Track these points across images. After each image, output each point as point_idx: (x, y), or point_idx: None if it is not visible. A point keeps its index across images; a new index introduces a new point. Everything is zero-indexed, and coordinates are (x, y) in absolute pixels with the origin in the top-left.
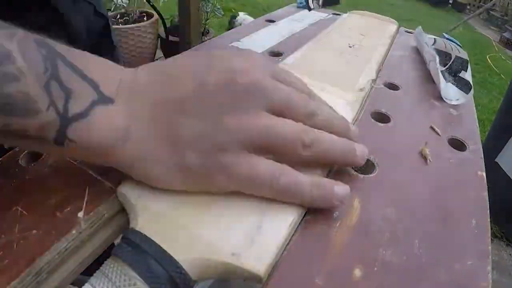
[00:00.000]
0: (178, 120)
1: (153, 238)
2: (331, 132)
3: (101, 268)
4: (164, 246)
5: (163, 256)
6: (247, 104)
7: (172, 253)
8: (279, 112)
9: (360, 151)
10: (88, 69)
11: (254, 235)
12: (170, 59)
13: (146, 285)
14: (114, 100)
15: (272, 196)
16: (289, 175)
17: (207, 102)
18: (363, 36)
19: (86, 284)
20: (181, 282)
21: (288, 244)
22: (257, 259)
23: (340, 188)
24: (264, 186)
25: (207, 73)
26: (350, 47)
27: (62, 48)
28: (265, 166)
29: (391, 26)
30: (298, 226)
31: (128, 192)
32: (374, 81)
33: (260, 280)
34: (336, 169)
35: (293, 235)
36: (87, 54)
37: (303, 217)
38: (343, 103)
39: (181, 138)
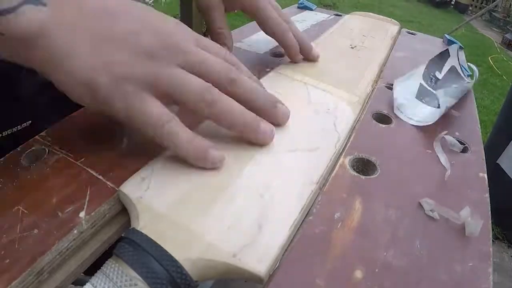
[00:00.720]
0: (105, 46)
1: (154, 239)
2: (253, 106)
3: (102, 268)
4: (165, 246)
5: (164, 256)
6: (166, 58)
7: (173, 254)
8: (198, 74)
9: (265, 129)
10: None
11: (255, 236)
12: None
13: (147, 286)
14: (46, 4)
15: (156, 140)
16: (173, 125)
17: (134, 41)
18: (365, 37)
19: (87, 284)
20: (182, 282)
21: (289, 244)
22: (258, 259)
23: (215, 152)
24: (150, 127)
25: (145, 23)
26: (352, 48)
27: None
28: (157, 109)
29: (393, 27)
30: (299, 226)
31: (129, 192)
32: (376, 82)
33: (261, 280)
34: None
35: (294, 235)
36: None
37: (304, 218)
38: (345, 104)
39: (99, 58)
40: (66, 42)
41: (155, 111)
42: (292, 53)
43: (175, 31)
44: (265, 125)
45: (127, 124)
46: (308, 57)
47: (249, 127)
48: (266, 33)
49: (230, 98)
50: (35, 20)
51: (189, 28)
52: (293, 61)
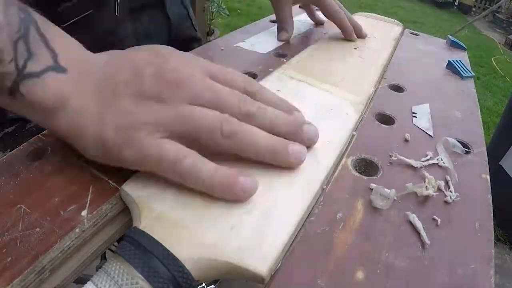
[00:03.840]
0: (110, 100)
1: (156, 238)
2: (276, 132)
3: (103, 266)
4: (167, 245)
5: (166, 255)
6: (173, 96)
7: (175, 253)
8: (212, 108)
9: (295, 151)
10: (54, 41)
11: (257, 236)
12: (130, 49)
13: (148, 284)
14: (67, 71)
15: (176, 179)
16: (193, 159)
17: (137, 88)
18: (368, 38)
19: (89, 283)
20: (184, 282)
21: (291, 245)
22: (260, 259)
23: (244, 179)
24: (169, 167)
25: (145, 66)
26: (355, 48)
27: (39, 18)
28: (173, 148)
29: (396, 28)
30: (301, 227)
31: (131, 192)
32: (378, 83)
33: (262, 280)
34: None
35: (296, 236)
36: (60, 30)
37: (306, 219)
38: (347, 104)
39: (107, 115)
40: (79, 106)
41: (172, 148)
42: (348, 34)
43: (179, 66)
44: (293, 147)
45: (142, 170)
46: (361, 36)
47: (277, 154)
48: (328, 19)
49: (251, 126)
50: (55, 89)
51: (201, 59)
52: (349, 40)
